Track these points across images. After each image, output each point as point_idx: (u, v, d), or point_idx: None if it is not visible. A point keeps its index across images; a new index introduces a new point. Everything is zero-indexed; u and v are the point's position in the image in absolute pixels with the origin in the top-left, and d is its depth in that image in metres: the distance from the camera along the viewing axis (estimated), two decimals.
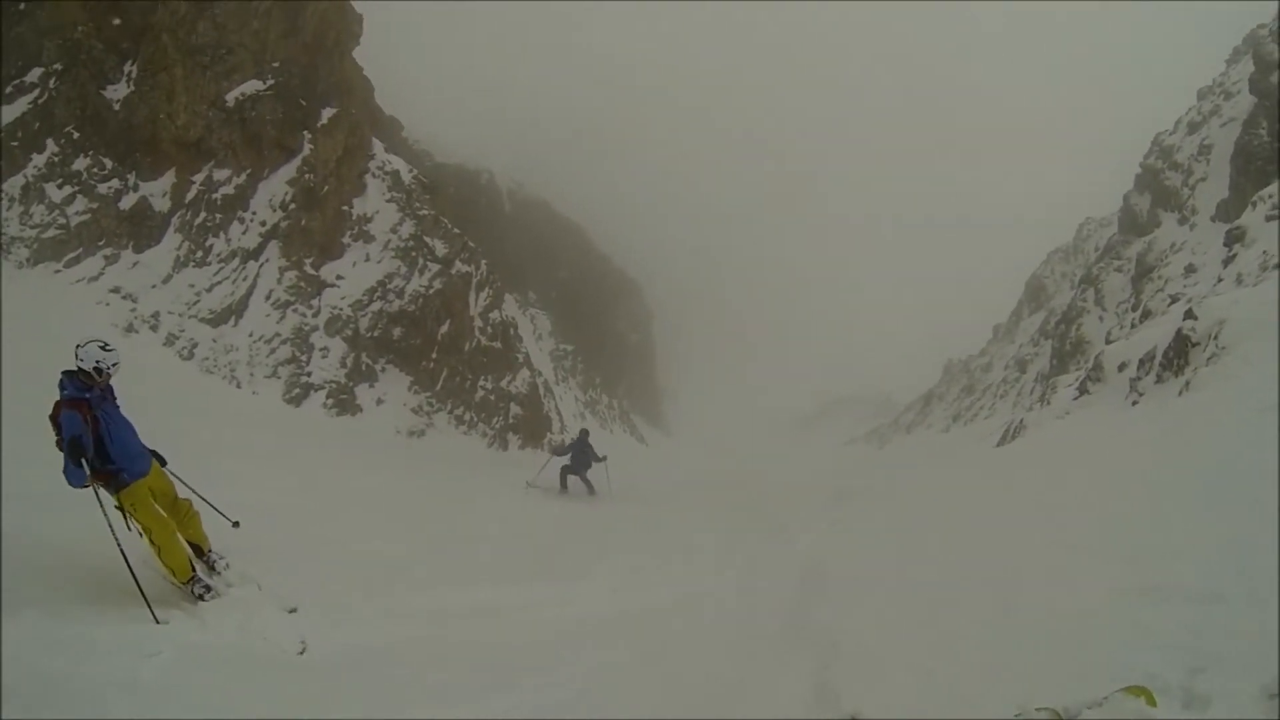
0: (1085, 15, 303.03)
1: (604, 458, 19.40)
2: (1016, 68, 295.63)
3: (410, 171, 30.51)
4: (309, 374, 22.87)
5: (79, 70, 21.03)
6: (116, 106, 21.61)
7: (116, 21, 21.89)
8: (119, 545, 6.09)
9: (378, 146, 29.50)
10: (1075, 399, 17.34)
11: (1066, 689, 4.07)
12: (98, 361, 6.28)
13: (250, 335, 22.20)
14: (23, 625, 5.28)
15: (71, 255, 19.82)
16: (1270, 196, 17.65)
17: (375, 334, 25.39)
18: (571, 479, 18.78)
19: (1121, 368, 15.92)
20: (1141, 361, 14.63)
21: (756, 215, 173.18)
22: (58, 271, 19.32)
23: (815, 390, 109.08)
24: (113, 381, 6.59)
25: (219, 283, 22.26)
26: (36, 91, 20.56)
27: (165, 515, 6.53)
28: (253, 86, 24.28)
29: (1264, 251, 16.36)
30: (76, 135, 20.82)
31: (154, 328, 20.19)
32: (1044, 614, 5.45)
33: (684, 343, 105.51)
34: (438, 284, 27.66)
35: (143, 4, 22.07)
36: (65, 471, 6.00)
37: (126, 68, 22.09)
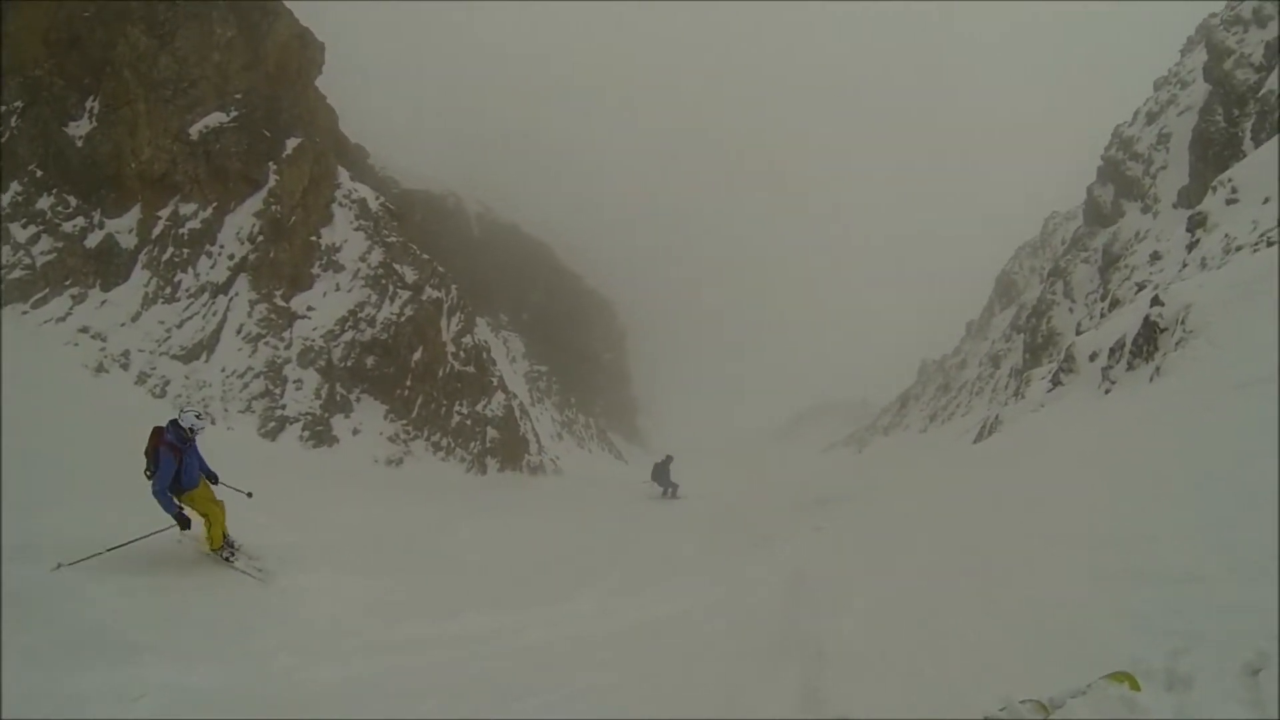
0: (1042, 14, 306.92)
1: (676, 485, 26.33)
2: (979, 69, 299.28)
3: (377, 199, 30.45)
4: (283, 407, 22.72)
5: (40, 108, 20.89)
6: (79, 143, 21.46)
7: (76, 58, 21.77)
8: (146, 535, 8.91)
9: (344, 175, 29.44)
10: (1049, 391, 17.52)
11: (1051, 679, 4.12)
12: (191, 426, 9.11)
13: (222, 370, 22.02)
14: (5, 677, 5.26)
15: (39, 295, 19.60)
16: (1229, 181, 17.95)
17: (349, 364, 25.28)
18: (657, 486, 26.43)
19: (1093, 357, 16.11)
20: (1112, 350, 14.83)
21: (727, 229, 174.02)
22: (25, 313, 19.08)
23: (792, 399, 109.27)
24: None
25: (189, 318, 22.08)
26: None
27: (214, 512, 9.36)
28: (216, 119, 24.20)
29: (1225, 235, 16.62)
30: (40, 174, 20.65)
31: (124, 366, 19.99)
32: (1027, 606, 5.51)
33: (659, 358, 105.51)
34: (409, 311, 27.60)
35: (103, 39, 21.97)
36: (158, 494, 8.70)
37: (88, 104, 21.97)
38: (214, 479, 9.62)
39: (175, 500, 8.84)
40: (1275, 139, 18.14)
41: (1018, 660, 4.76)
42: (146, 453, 8.77)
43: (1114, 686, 3.76)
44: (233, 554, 9.39)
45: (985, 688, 4.39)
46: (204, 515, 9.25)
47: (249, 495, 10.19)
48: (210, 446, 18.90)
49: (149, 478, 8.70)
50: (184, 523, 8.97)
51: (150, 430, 8.89)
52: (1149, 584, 4.94)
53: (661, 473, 26.61)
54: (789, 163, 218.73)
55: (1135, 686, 3.74)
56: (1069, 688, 3.92)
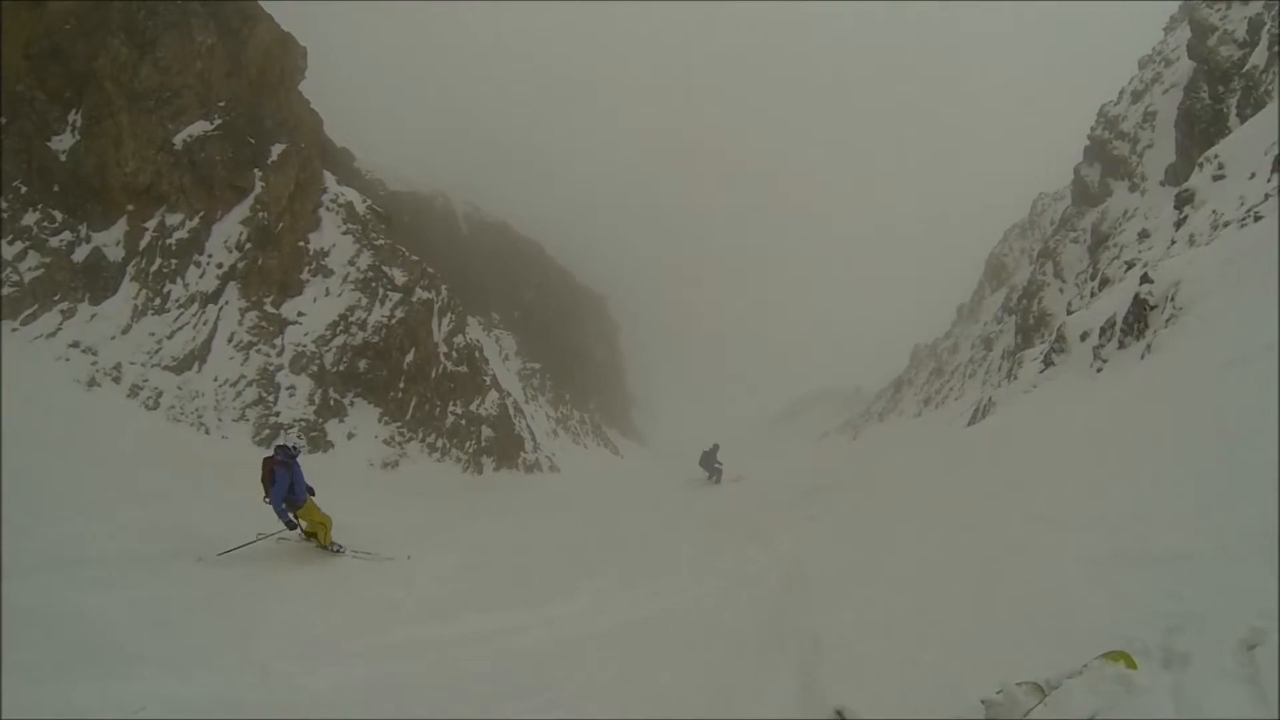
0: (1030, 11, 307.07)
1: (719, 466, 27.78)
2: (966, 58, 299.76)
3: (364, 202, 30.39)
4: (278, 414, 22.68)
5: (23, 123, 20.75)
6: (63, 157, 21.34)
7: (57, 71, 21.66)
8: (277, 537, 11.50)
9: (330, 179, 29.37)
10: (1041, 372, 17.52)
11: (1047, 661, 4.15)
12: (294, 445, 11.65)
13: (215, 379, 21.98)
14: (5, 693, 5.26)
15: (28, 312, 19.48)
16: (1215, 157, 17.98)
17: (341, 368, 25.25)
18: (704, 471, 27.84)
19: (1084, 337, 16.11)
20: (1103, 329, 14.83)
21: (716, 219, 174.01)
22: (15, 330, 18.98)
23: (786, 388, 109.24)
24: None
25: (179, 329, 22.01)
26: None
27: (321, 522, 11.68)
28: (200, 127, 24.09)
29: (1213, 211, 16.65)
30: (24, 189, 20.52)
31: (116, 380, 19.91)
32: (1022, 590, 5.51)
33: (651, 352, 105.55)
34: (400, 313, 27.57)
35: (83, 51, 21.85)
36: (275, 505, 11.07)
37: (71, 117, 21.85)
38: (311, 492, 11.69)
39: (289, 512, 11.18)
40: (1260, 114, 18.18)
41: (1013, 644, 4.78)
42: (262, 480, 11.20)
43: (1110, 666, 3.79)
44: (340, 549, 11.82)
45: (982, 672, 4.41)
46: (319, 522, 11.66)
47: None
48: (206, 458, 19.01)
49: (267, 501, 11.16)
50: (292, 526, 11.27)
51: (261, 461, 11.42)
52: (1142, 564, 4.95)
53: (708, 459, 27.85)
54: (779, 155, 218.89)
55: (1131, 664, 3.77)
56: (1065, 669, 3.95)
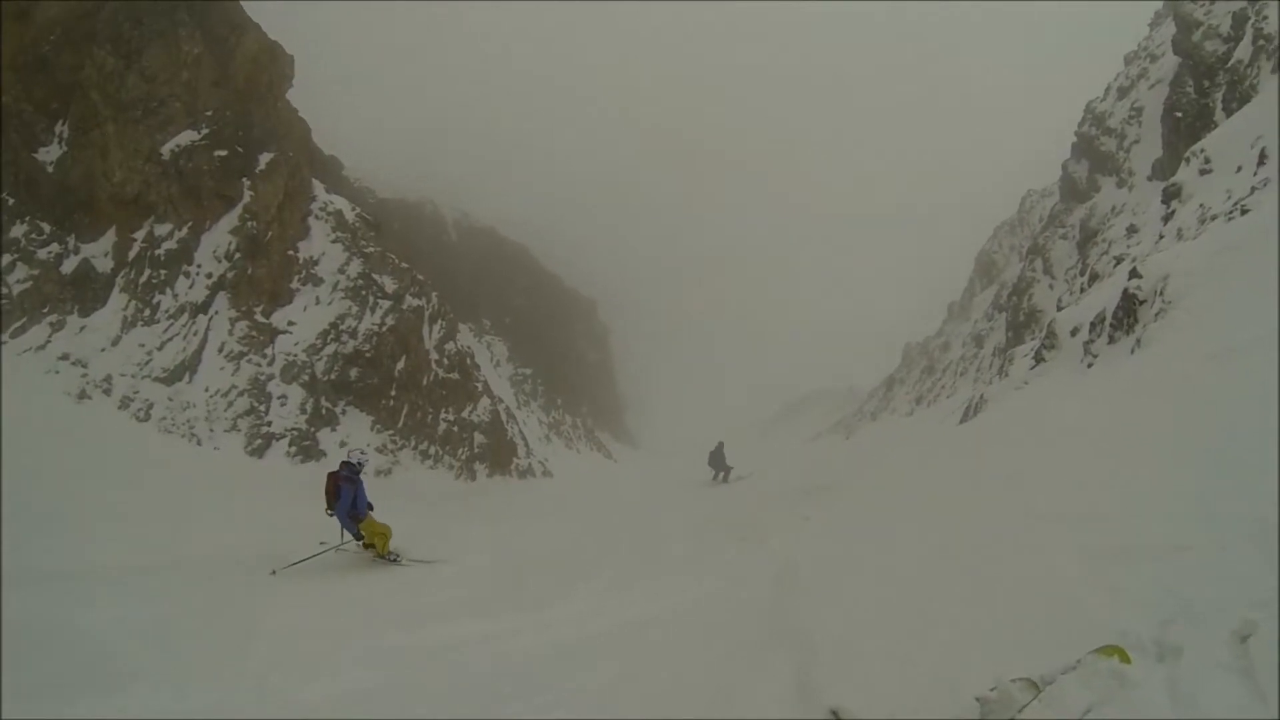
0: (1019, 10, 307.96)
1: (730, 467, 27.93)
2: (952, 53, 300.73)
3: (353, 210, 30.36)
4: (269, 424, 22.62)
5: (9, 135, 20.67)
6: (50, 169, 21.30)
7: (43, 82, 21.60)
8: (337, 548, 12.15)
9: (319, 187, 29.33)
10: (1032, 368, 17.54)
11: (1042, 657, 4.15)
12: (359, 461, 12.58)
13: (206, 390, 21.90)
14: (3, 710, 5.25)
15: (16, 325, 19.41)
16: (1202, 152, 18.07)
17: (332, 377, 25.19)
18: (714, 471, 27.78)
19: (1074, 332, 16.13)
20: (1093, 324, 14.86)
21: (707, 220, 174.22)
22: (4, 343, 18.89)
23: (778, 389, 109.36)
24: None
25: (170, 339, 21.94)
26: None
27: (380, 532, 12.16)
28: (188, 137, 24.02)
29: (1200, 205, 16.72)
30: (11, 201, 20.46)
31: (107, 392, 19.84)
32: (1015, 585, 5.52)
33: (643, 355, 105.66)
34: (390, 320, 27.52)
35: (69, 62, 21.80)
36: (340, 518, 11.99)
37: (57, 128, 21.81)
38: (370, 507, 12.35)
39: (354, 523, 12.02)
40: (1245, 108, 18.27)
41: (1008, 640, 4.78)
42: (327, 492, 12.10)
43: (1104, 660, 3.80)
44: (397, 558, 12.26)
45: (976, 669, 4.41)
46: (379, 533, 12.17)
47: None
48: (198, 469, 18.97)
49: (330, 514, 12.15)
50: (358, 537, 12.09)
51: (326, 476, 12.34)
52: (1134, 557, 4.96)
53: (716, 458, 28.00)
54: (768, 154, 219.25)
55: (1125, 659, 3.78)
56: (1060, 664, 3.96)
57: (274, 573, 10.82)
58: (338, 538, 12.27)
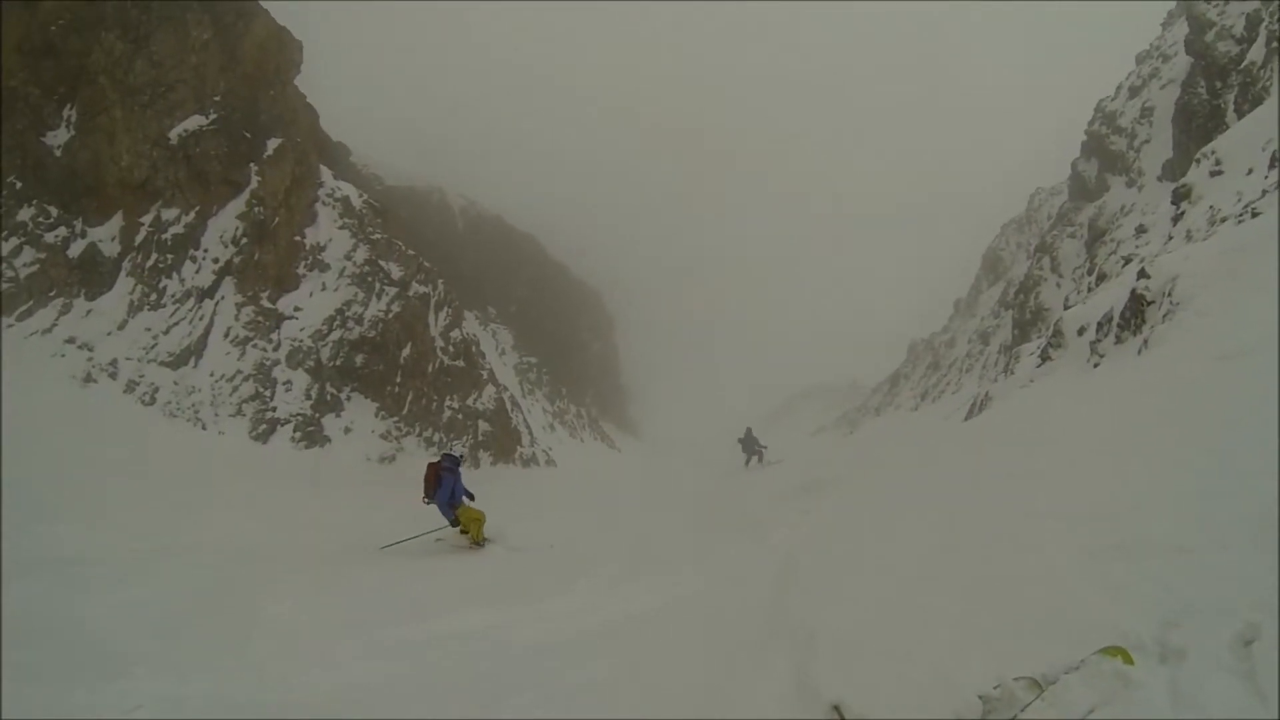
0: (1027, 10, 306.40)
1: (765, 447, 28.87)
2: (963, 51, 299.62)
3: (360, 196, 30.37)
4: (274, 409, 22.67)
5: (17, 119, 20.70)
6: (58, 153, 21.31)
7: (51, 66, 21.59)
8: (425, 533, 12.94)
9: (326, 174, 29.34)
10: (1038, 367, 17.48)
11: (1044, 656, 4.14)
12: (460, 454, 13.31)
13: (211, 375, 21.95)
14: (3, 695, 5.26)
15: (23, 308, 19.47)
16: (1213, 153, 17.97)
17: (338, 363, 25.23)
18: (746, 456, 28.42)
19: (1081, 332, 16.07)
20: (1100, 324, 14.80)
21: (713, 215, 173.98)
22: (10, 326, 18.94)
23: (783, 382, 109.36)
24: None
25: (175, 324, 21.99)
26: None
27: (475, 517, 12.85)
28: (195, 122, 24.04)
29: (1210, 207, 16.62)
30: (19, 185, 20.49)
31: (113, 375, 19.89)
32: (1017, 583, 5.48)
33: (648, 347, 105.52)
34: (396, 307, 27.55)
35: (77, 47, 21.78)
36: (441, 506, 12.71)
37: (65, 113, 21.81)
38: (470, 496, 13.05)
39: (452, 510, 12.74)
40: (1258, 110, 18.18)
41: (1009, 638, 4.76)
42: (426, 480, 12.75)
43: (1108, 661, 3.79)
44: (488, 543, 12.89)
45: (978, 667, 4.40)
46: (474, 519, 12.86)
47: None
48: (202, 453, 19.03)
49: (427, 502, 12.88)
50: (455, 523, 12.83)
51: (426, 466, 12.98)
52: (1138, 557, 4.93)
53: (749, 443, 28.67)
54: (771, 155, 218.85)
55: (1128, 660, 3.77)
56: (1062, 664, 3.95)
57: (382, 549, 12.18)
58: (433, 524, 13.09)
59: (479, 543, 12.91)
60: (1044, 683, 3.92)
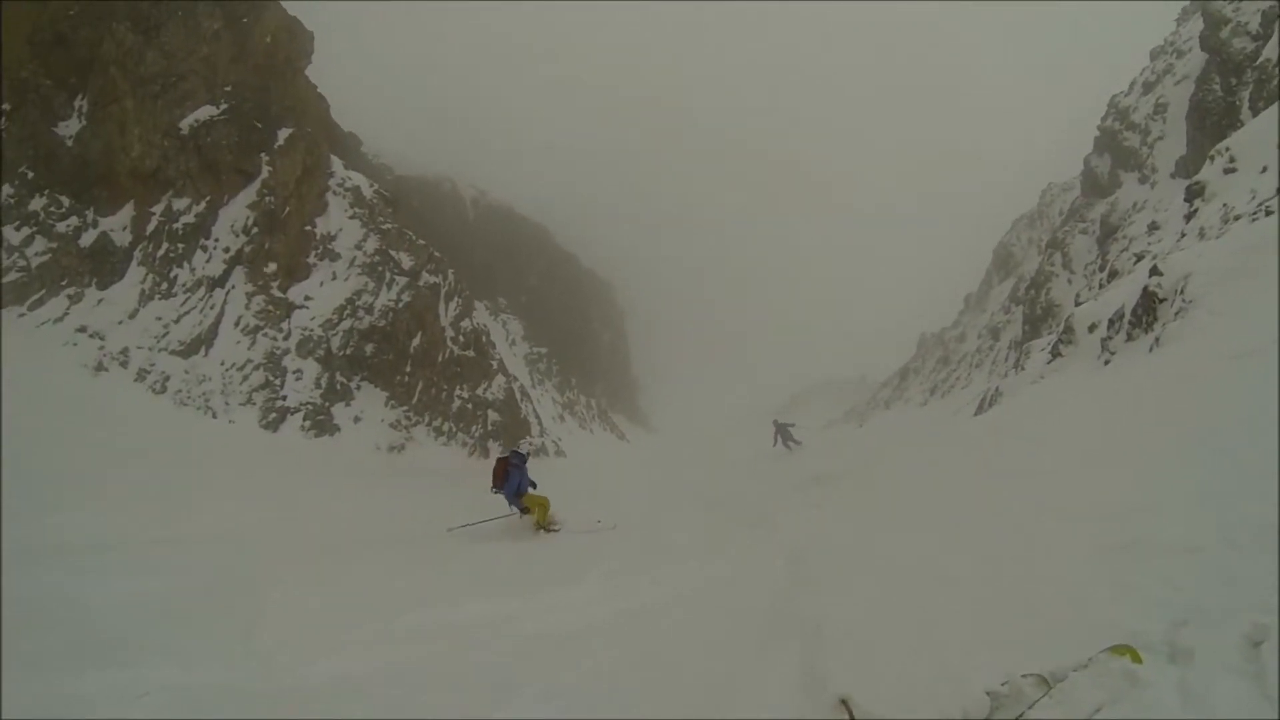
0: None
1: (799, 441, 32.34)
2: (975, 41, 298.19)
3: (371, 186, 30.39)
4: (284, 398, 22.74)
5: (28, 109, 20.78)
6: (69, 143, 21.38)
7: (62, 57, 21.66)
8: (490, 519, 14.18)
9: (337, 164, 29.34)
10: (1049, 363, 17.37)
11: (1052, 653, 4.14)
12: (526, 452, 14.98)
13: (222, 363, 22.02)
14: (3, 683, 5.29)
15: (35, 297, 19.55)
16: (1227, 150, 17.82)
17: (348, 352, 25.28)
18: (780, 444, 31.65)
19: (1092, 328, 15.96)
20: (1111, 321, 14.69)
21: (722, 207, 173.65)
22: (22, 315, 19.04)
23: (792, 375, 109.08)
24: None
25: (186, 313, 22.07)
26: None
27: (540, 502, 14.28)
28: (206, 112, 24.10)
29: (1224, 205, 16.48)
30: (31, 175, 20.56)
31: (124, 364, 19.97)
32: (1026, 580, 5.47)
33: (658, 337, 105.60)
34: (406, 297, 27.58)
35: (88, 37, 21.83)
36: (509, 496, 14.08)
37: (77, 103, 21.88)
38: (533, 485, 14.44)
39: (518, 499, 14.16)
40: (1273, 107, 18.03)
41: (1018, 635, 4.76)
42: (495, 473, 14.22)
43: (1116, 660, 3.78)
44: (554, 528, 14.32)
45: (985, 663, 4.41)
46: (539, 504, 14.31)
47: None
48: (213, 441, 19.13)
49: (495, 491, 14.24)
50: (524, 511, 14.24)
51: (495, 461, 14.52)
52: (1147, 556, 4.91)
53: (785, 432, 32.26)
54: (788, 144, 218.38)
55: (1137, 659, 3.77)
56: (1070, 661, 3.95)
57: (450, 531, 13.46)
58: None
59: (544, 527, 14.27)
60: (1052, 680, 3.92)
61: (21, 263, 19.55)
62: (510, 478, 14.19)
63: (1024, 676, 4.00)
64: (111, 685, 5.73)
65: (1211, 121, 25.58)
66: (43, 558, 8.61)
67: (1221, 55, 25.78)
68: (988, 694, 4.06)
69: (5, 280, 19.15)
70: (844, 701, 4.84)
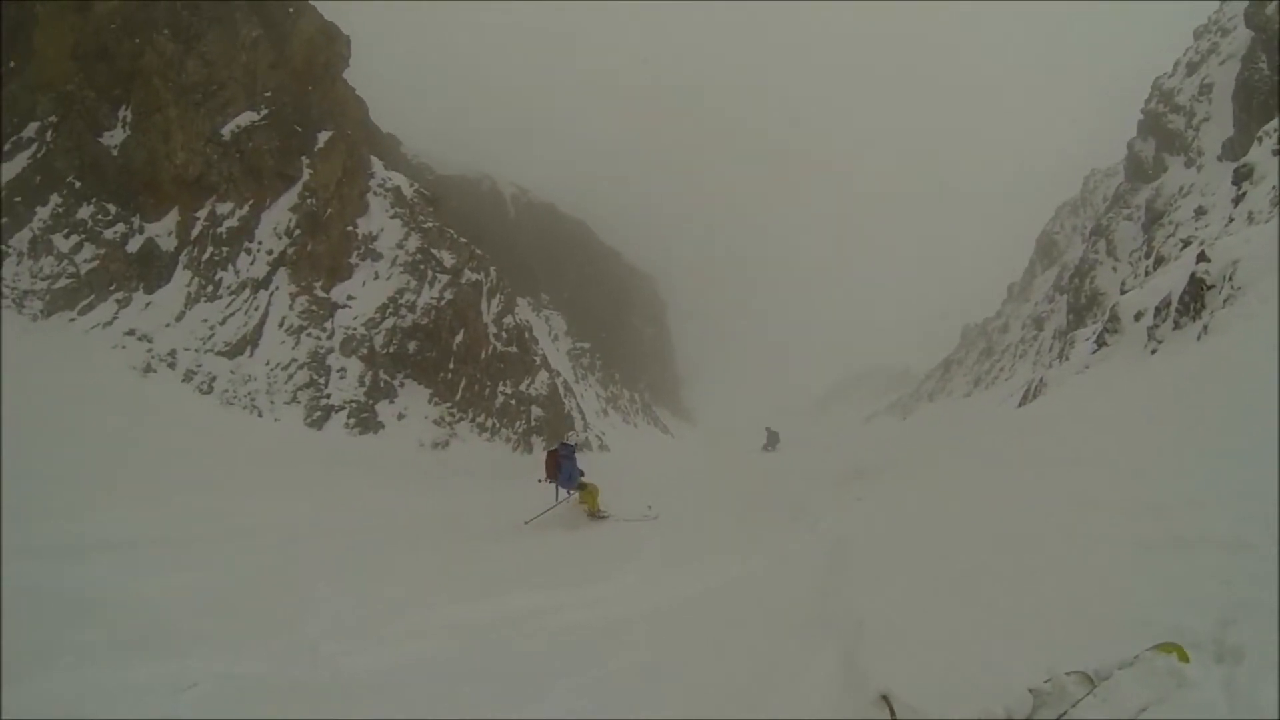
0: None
1: (778, 441, 40.83)
2: (1015, 27, 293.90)
3: (411, 186, 30.59)
4: (328, 396, 22.98)
5: (74, 121, 21.17)
6: (114, 152, 21.74)
7: (105, 69, 22.03)
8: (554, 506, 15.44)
9: (377, 165, 29.58)
10: (1094, 352, 17.00)
11: (1096, 650, 4.02)
12: (575, 444, 17.59)
13: (267, 363, 22.31)
14: (55, 674, 5.39)
15: (85, 302, 19.94)
16: (1275, 130, 17.33)
17: (391, 350, 25.49)
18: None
19: (1138, 317, 15.58)
20: (1158, 309, 14.32)
21: (765, 198, 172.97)
22: (72, 320, 19.44)
23: (835, 368, 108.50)
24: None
25: (231, 315, 22.38)
26: (35, 146, 20.69)
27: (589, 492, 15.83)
28: (247, 118, 24.37)
29: (1273, 187, 16.02)
30: (78, 185, 20.97)
31: (171, 365, 20.30)
32: (1069, 575, 5.33)
33: (700, 331, 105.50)
34: (448, 294, 27.75)
35: (130, 49, 22.18)
36: (563, 483, 15.60)
37: (120, 113, 22.22)
38: (582, 474, 15.90)
39: (571, 483, 15.68)
40: None
41: (1061, 631, 4.64)
42: (547, 464, 15.70)
43: (1162, 658, 3.67)
44: (603, 514, 15.92)
45: (1028, 659, 4.31)
46: (590, 492, 15.92)
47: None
48: (259, 439, 19.42)
49: (548, 481, 15.66)
50: (579, 488, 15.79)
51: (546, 454, 16.11)
52: (1194, 552, 4.75)
53: (772, 438, 41.12)
54: (827, 145, 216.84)
55: (1184, 657, 3.64)
56: (1115, 659, 3.84)
57: (525, 523, 14.78)
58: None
59: (596, 514, 15.88)
60: (1096, 678, 3.82)
61: (71, 269, 19.96)
62: (562, 468, 15.58)
63: (1068, 674, 3.90)
64: (160, 676, 5.84)
65: (1259, 101, 24.90)
66: (93, 553, 8.79)
67: (1267, 32, 25.09)
68: (1030, 691, 3.97)
69: (56, 287, 19.55)
70: (885, 698, 4.77)
